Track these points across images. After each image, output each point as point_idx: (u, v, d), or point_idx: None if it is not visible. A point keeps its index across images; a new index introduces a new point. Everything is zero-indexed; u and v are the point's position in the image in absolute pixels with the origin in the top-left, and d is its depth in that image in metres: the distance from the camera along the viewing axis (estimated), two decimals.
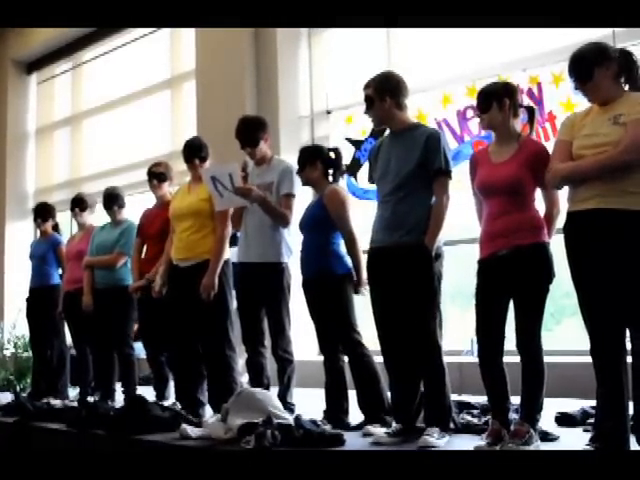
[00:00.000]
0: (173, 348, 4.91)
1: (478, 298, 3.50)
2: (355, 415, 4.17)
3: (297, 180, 4.51)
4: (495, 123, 3.56)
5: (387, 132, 4.00)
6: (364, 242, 4.06)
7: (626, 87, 3.23)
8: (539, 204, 3.51)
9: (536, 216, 3.45)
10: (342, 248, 4.24)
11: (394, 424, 3.76)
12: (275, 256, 4.50)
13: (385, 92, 3.79)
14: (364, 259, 4.03)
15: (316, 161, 4.38)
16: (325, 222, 4.26)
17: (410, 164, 3.71)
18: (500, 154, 3.53)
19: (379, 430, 3.81)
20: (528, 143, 3.51)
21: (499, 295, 3.43)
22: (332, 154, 4.47)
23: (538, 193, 3.51)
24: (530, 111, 3.67)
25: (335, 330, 4.21)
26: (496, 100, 3.51)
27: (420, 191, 3.71)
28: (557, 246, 3.37)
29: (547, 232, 3.44)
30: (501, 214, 3.43)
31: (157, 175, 5.35)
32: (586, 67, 3.18)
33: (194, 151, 4.83)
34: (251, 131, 4.58)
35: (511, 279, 3.39)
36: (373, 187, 4.09)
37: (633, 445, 3.07)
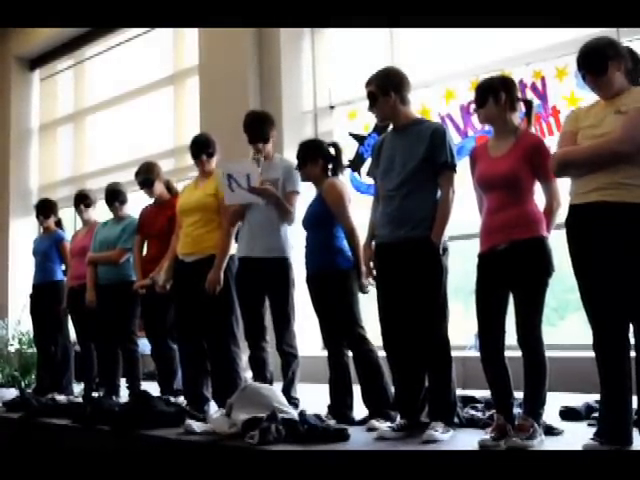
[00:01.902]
0: (178, 343, 4.92)
1: (478, 293, 3.50)
2: (359, 410, 4.17)
3: (299, 177, 4.52)
4: (492, 117, 3.55)
5: (390, 127, 3.99)
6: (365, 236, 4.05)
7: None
8: (540, 198, 3.51)
9: (534, 210, 3.43)
10: (346, 243, 4.23)
11: (398, 419, 3.76)
12: (281, 251, 4.52)
13: (388, 87, 3.78)
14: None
15: (317, 157, 4.37)
16: (327, 218, 4.25)
17: (415, 159, 3.70)
18: (498, 148, 3.52)
19: (383, 425, 3.81)
20: (526, 136, 3.50)
21: (498, 289, 3.42)
22: (332, 149, 4.45)
23: (538, 187, 3.50)
24: (528, 104, 3.65)
25: (339, 325, 4.21)
26: (492, 94, 3.50)
27: (425, 186, 3.70)
28: (559, 240, 3.36)
29: (547, 225, 3.43)
30: (500, 208, 3.43)
31: (142, 183, 5.37)
32: (601, 61, 3.16)
33: (201, 147, 4.83)
34: (264, 127, 4.59)
35: (509, 273, 3.38)
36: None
37: (637, 439, 3.07)
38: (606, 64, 3.16)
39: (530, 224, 3.38)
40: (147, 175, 5.36)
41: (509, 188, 3.41)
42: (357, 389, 4.20)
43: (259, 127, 4.58)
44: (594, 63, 3.19)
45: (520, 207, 3.40)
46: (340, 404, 4.20)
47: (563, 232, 3.28)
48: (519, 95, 3.61)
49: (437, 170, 3.69)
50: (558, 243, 3.39)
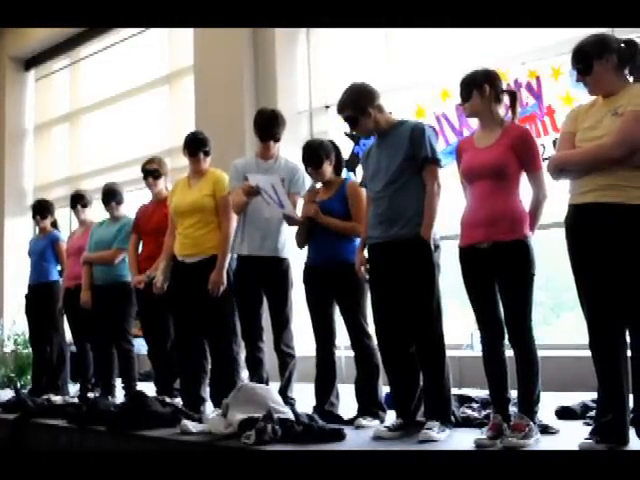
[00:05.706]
0: (177, 344, 4.90)
1: (467, 288, 3.51)
2: (343, 409, 4.20)
3: (303, 179, 4.54)
4: (477, 110, 3.56)
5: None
6: None
7: (631, 78, 3.20)
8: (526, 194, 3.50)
9: (519, 207, 3.43)
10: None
11: (394, 418, 3.76)
12: (281, 251, 4.53)
13: (365, 105, 3.81)
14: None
15: (331, 156, 4.34)
16: (348, 216, 4.21)
17: (398, 159, 3.73)
18: (485, 139, 3.53)
19: (371, 423, 3.87)
20: (512, 128, 3.51)
21: (484, 282, 3.43)
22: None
23: (525, 184, 3.49)
24: (512, 96, 3.65)
25: (349, 319, 4.17)
26: (476, 87, 3.51)
27: (412, 184, 3.72)
28: (556, 239, 3.36)
29: (533, 220, 3.43)
30: (484, 200, 3.42)
31: (152, 172, 5.33)
32: (585, 60, 3.18)
33: (200, 145, 4.81)
34: (278, 126, 4.59)
35: (493, 272, 3.40)
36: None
37: (633, 438, 3.07)
38: (591, 63, 3.16)
39: (513, 224, 3.37)
40: (159, 167, 5.35)
41: (495, 178, 3.40)
42: (344, 387, 4.20)
43: (274, 126, 4.57)
44: (580, 63, 3.21)
45: (504, 201, 3.39)
46: (327, 403, 4.20)
47: (558, 230, 3.28)
48: (503, 87, 3.60)
49: (420, 165, 3.71)
50: (555, 242, 3.40)
